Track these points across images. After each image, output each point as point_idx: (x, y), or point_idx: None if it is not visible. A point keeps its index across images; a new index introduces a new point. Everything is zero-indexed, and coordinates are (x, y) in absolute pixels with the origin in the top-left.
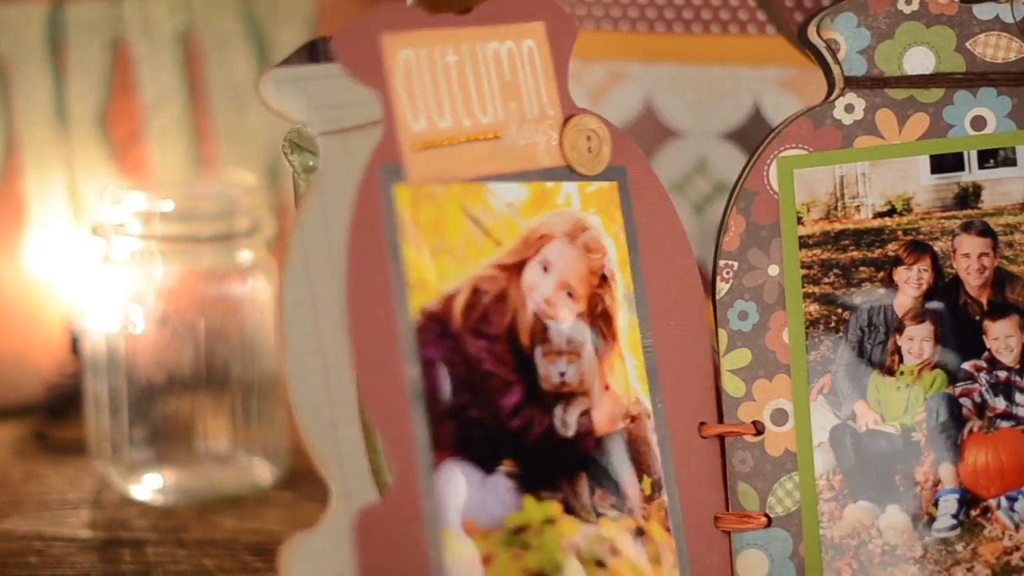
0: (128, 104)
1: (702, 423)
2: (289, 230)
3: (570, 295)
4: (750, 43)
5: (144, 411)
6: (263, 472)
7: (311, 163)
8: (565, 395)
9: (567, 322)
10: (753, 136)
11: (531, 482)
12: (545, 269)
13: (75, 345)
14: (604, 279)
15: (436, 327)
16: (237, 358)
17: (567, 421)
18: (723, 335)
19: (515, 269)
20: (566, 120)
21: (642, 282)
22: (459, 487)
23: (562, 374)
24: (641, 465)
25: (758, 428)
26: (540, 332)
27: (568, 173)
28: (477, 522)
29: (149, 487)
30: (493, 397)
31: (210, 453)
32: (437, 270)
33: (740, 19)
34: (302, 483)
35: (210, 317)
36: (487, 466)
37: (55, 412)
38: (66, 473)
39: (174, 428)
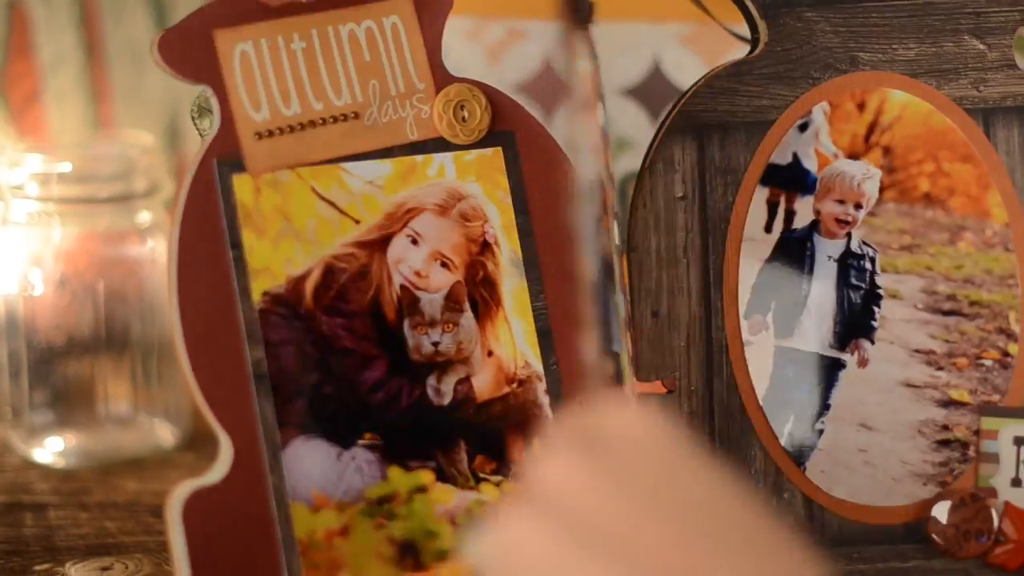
0: (25, 65)
1: None
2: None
3: (444, 265)
4: None
5: (44, 374)
6: (165, 434)
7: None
8: (439, 364)
9: (442, 292)
10: (653, 92)
11: (397, 453)
12: (415, 242)
13: None
14: (486, 246)
15: (283, 309)
16: (137, 319)
17: (441, 390)
18: None
19: (378, 244)
20: (438, 92)
21: (533, 244)
22: (311, 463)
23: (435, 344)
24: (530, 428)
25: (668, 386)
26: (409, 304)
27: (442, 144)
28: (332, 495)
29: (50, 450)
30: (352, 372)
31: (111, 415)
32: (283, 254)
33: None
34: (204, 444)
35: (109, 278)
36: (344, 441)
37: None
38: None
39: (75, 391)
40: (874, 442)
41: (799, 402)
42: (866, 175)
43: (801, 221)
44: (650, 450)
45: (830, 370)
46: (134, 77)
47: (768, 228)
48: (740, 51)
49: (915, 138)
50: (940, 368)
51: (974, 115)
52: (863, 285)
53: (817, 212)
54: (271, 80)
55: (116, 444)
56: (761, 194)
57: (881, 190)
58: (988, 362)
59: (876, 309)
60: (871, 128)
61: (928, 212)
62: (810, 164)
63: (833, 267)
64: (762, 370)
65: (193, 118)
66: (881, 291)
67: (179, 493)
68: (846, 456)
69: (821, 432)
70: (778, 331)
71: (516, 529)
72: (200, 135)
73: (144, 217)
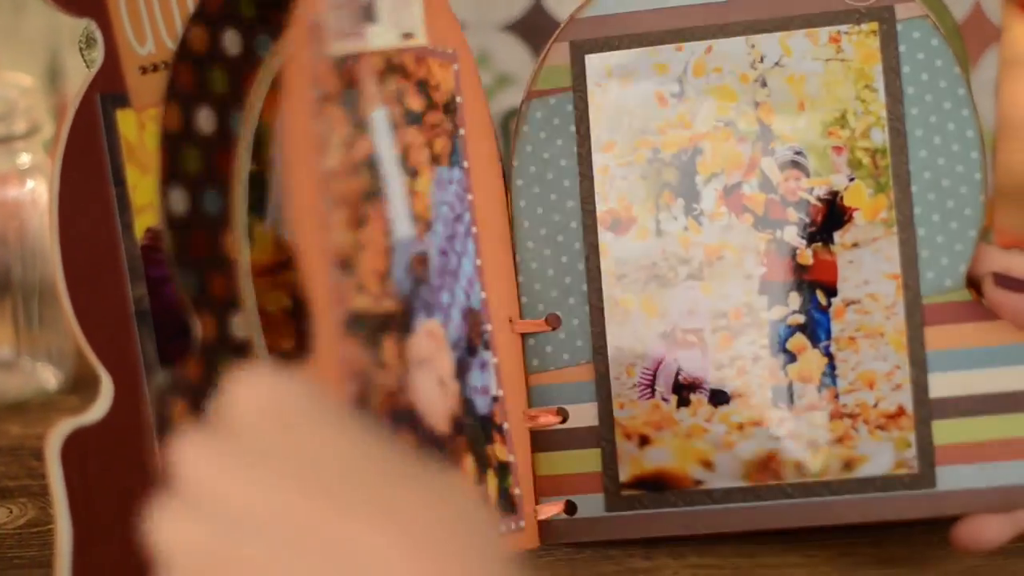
0: None
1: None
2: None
3: None
4: None
5: None
6: (48, 377)
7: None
8: None
9: None
10: (534, 27)
11: None
12: None
13: None
14: None
15: None
16: (18, 262)
17: None
18: None
19: None
20: None
21: None
22: None
23: None
24: None
25: (551, 324)
26: None
27: None
28: None
29: None
30: None
31: None
32: None
33: None
34: (88, 387)
35: None
36: None
37: None
38: None
39: None
40: None
41: None
42: None
43: None
44: (281, 421)
45: None
46: (12, 18)
47: None
48: None
49: None
50: None
51: None
52: None
53: None
54: (156, 14)
55: None
56: None
57: None
58: None
59: None
60: None
61: None
62: None
63: None
64: None
65: (81, 49)
66: None
67: (58, 432)
68: None
69: None
70: None
71: (169, 531)
72: (88, 67)
73: (24, 159)
